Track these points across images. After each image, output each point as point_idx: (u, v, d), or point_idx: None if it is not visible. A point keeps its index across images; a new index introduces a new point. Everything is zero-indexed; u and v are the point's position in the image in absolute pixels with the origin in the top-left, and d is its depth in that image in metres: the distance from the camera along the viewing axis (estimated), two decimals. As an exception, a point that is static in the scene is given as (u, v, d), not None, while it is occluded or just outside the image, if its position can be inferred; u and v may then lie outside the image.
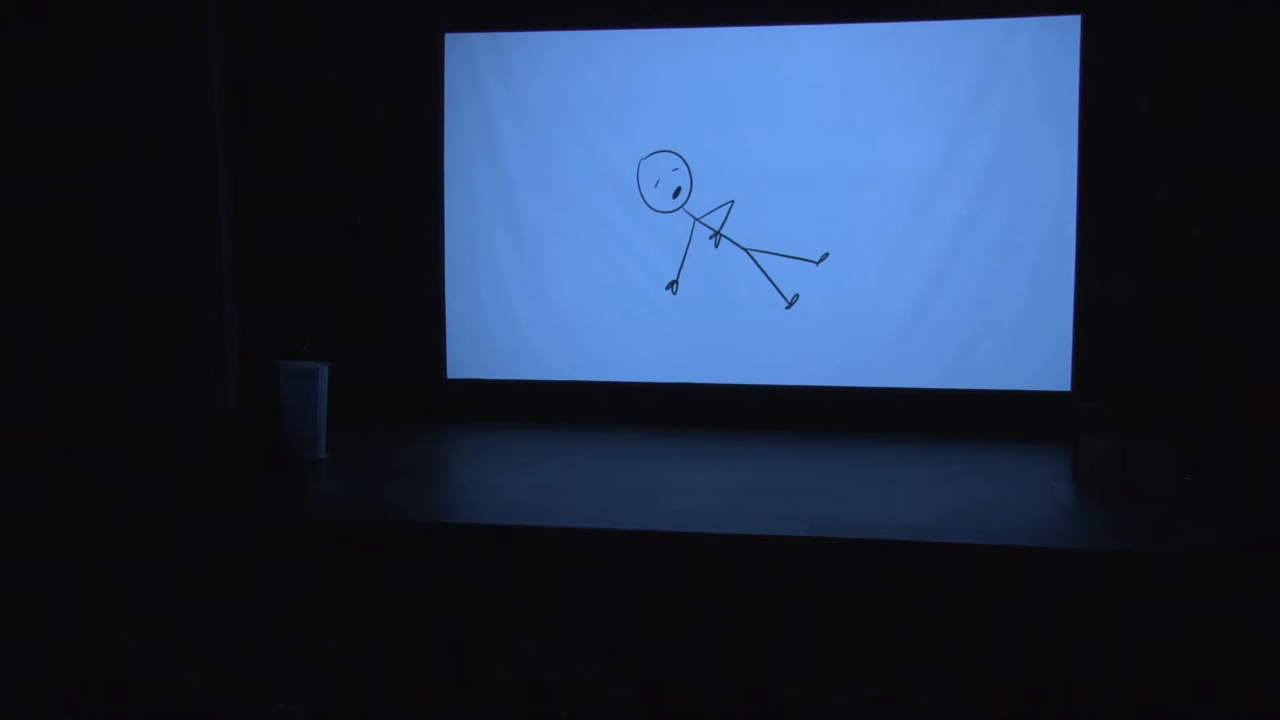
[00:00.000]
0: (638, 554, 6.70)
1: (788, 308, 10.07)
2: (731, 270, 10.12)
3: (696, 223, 10.20)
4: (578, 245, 10.36)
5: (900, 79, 9.76)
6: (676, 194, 10.22)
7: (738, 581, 6.57)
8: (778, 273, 10.07)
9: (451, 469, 9.38)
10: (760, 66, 9.98)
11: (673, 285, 10.26)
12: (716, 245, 10.17)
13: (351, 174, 10.34)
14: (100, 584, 6.77)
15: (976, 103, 9.66)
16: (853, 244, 9.94)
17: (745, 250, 10.11)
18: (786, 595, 6.48)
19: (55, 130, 8.99)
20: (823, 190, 9.93)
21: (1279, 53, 8.86)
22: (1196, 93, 9.06)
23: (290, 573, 6.82)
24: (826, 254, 9.99)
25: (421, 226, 10.46)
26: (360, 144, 10.32)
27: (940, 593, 6.39)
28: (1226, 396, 8.28)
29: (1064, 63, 9.45)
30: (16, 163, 8.99)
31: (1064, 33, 9.46)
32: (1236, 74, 8.95)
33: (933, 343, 9.83)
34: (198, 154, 9.00)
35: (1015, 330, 9.69)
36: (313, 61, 10.17)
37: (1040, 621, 6.22)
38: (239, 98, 9.38)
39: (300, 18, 10.07)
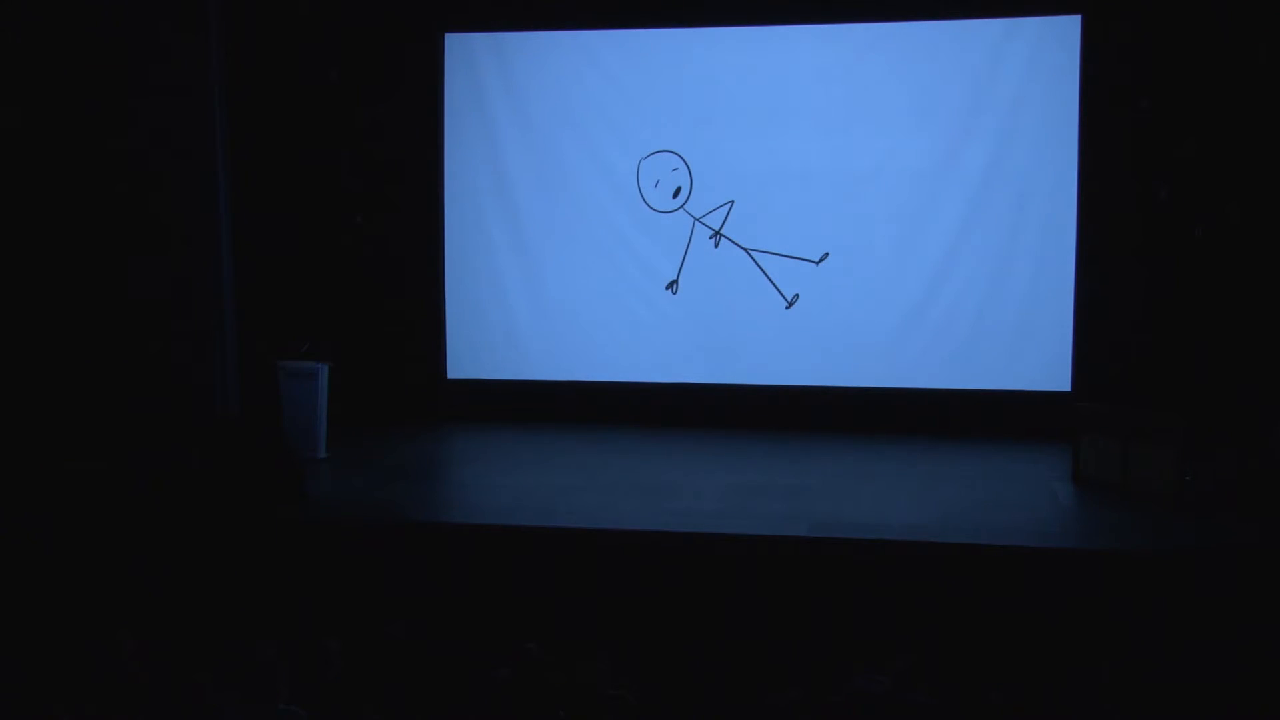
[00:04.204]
0: (638, 554, 6.70)
1: (788, 308, 10.07)
2: (731, 270, 10.12)
3: (696, 223, 10.19)
4: (578, 245, 10.35)
5: (900, 79, 9.76)
6: (676, 194, 10.22)
7: (738, 581, 6.57)
8: (778, 273, 10.07)
9: (451, 469, 9.37)
10: (760, 66, 9.97)
11: (673, 285, 10.26)
12: (716, 245, 10.17)
13: (351, 174, 10.34)
14: (100, 584, 6.77)
15: (977, 103, 9.65)
16: (853, 244, 9.93)
17: (745, 250, 10.11)
18: (786, 595, 6.48)
19: (55, 130, 8.99)
20: (823, 190, 9.93)
21: (1277, 52, 8.86)
22: (1196, 93, 9.06)
23: (290, 573, 6.82)
24: (826, 254, 9.98)
25: (421, 226, 10.45)
26: (360, 144, 10.32)
27: (940, 592, 6.39)
28: (1226, 396, 8.29)
29: (1064, 63, 9.45)
30: (17, 163, 8.99)
31: (1064, 33, 9.46)
32: (1236, 73, 8.95)
33: (933, 343, 9.83)
34: (198, 154, 9.01)
35: (1015, 330, 9.69)
36: (313, 61, 10.17)
37: (1040, 621, 6.22)
38: (239, 98, 9.39)
39: (300, 18, 10.07)
